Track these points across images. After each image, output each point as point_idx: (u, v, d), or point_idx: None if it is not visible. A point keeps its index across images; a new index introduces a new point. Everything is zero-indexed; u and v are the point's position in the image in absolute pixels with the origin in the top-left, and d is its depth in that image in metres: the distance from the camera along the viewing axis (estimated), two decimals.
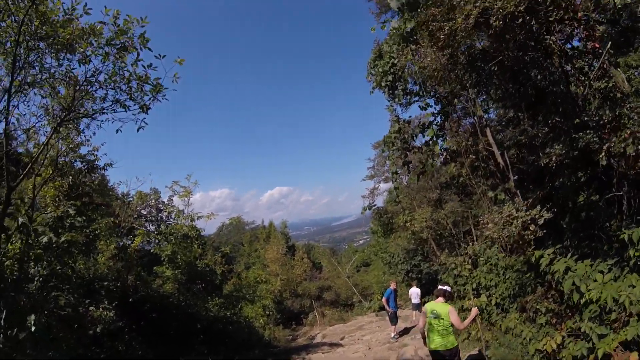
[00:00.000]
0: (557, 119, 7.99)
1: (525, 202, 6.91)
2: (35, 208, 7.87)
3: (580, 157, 6.54)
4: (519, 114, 11.05)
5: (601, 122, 6.21)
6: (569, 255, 4.30)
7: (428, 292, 17.86)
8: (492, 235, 6.74)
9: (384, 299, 12.34)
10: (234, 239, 54.60)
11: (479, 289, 8.99)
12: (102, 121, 5.98)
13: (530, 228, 6.26)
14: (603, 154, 5.93)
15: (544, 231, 6.14)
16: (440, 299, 6.02)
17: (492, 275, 8.66)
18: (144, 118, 5.91)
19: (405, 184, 17.56)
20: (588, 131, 6.22)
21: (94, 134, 8.91)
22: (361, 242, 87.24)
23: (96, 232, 9.33)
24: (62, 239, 7.48)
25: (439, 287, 6.29)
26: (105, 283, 8.70)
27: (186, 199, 12.55)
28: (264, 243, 42.90)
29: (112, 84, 5.78)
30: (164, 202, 13.99)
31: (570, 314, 5.75)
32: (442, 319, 5.74)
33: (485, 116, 10.34)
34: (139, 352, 9.05)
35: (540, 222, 6.19)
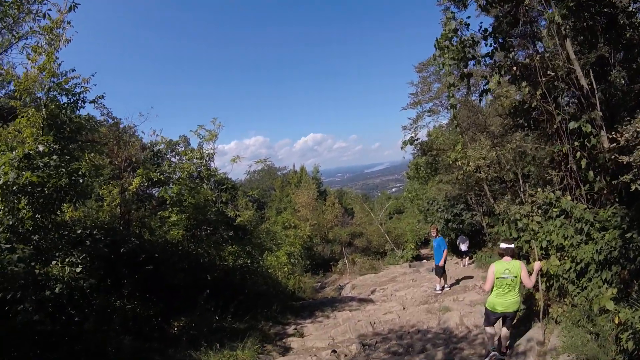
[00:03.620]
0: None
1: None
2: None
3: None
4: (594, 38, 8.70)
5: None
6: None
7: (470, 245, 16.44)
8: None
9: (445, 251, 10.95)
10: (266, 184, 54.45)
11: (548, 248, 7.04)
12: None
13: None
14: None
15: None
16: (508, 258, 5.86)
17: (570, 231, 6.62)
18: None
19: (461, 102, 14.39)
20: None
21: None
22: (394, 190, 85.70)
23: (79, 173, 7.84)
24: (22, 180, 6.04)
25: (505, 245, 6.02)
26: (80, 231, 7.30)
27: (211, 142, 11.01)
28: (295, 188, 41.87)
29: None
30: (193, 148, 12.61)
31: None
32: (516, 277, 5.72)
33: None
34: (128, 311, 7.84)
35: None
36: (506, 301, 5.73)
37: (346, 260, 24.27)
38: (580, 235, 6.48)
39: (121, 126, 13.06)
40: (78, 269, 5.98)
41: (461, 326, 7.49)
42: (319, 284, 20.72)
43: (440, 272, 11.11)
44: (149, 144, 14.81)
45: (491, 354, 6.03)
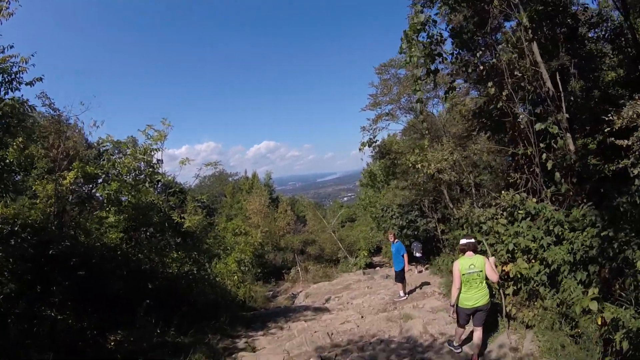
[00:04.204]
0: None
1: None
2: None
3: None
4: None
5: None
6: None
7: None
8: None
9: (406, 256, 10.53)
10: (216, 190, 52.94)
11: (514, 251, 6.82)
12: None
13: None
14: None
15: None
16: (470, 252, 5.87)
17: (540, 232, 6.41)
18: None
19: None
20: None
21: None
22: (345, 199, 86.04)
23: (5, 161, 6.99)
24: None
25: (465, 240, 6.03)
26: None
27: (160, 142, 10.09)
28: (246, 195, 40.78)
29: None
30: (136, 143, 11.55)
31: None
32: (481, 271, 5.73)
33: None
34: (59, 322, 6.82)
35: None
36: (475, 295, 5.73)
37: (299, 268, 23.66)
38: (550, 236, 6.29)
39: (65, 122, 11.77)
40: None
41: (425, 334, 7.09)
42: (271, 292, 19.92)
43: (401, 278, 10.74)
44: (96, 143, 13.61)
45: (456, 351, 6.19)
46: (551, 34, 9.01)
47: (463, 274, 5.73)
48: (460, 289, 5.79)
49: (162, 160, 10.59)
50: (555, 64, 8.79)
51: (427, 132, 8.51)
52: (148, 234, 9.20)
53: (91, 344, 6.90)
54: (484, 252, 6.71)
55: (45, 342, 5.70)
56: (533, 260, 6.62)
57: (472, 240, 6.03)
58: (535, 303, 6.53)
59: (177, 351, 6.51)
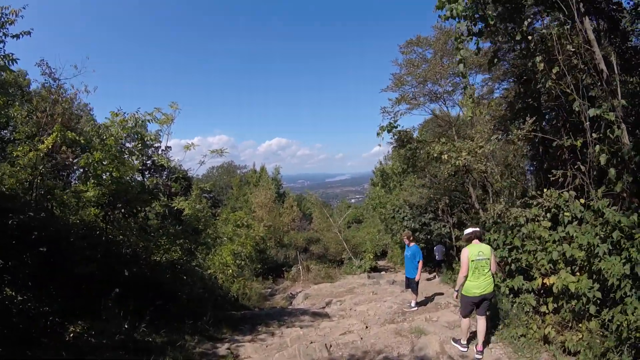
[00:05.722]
0: None
1: None
2: None
3: None
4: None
5: None
6: None
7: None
8: None
9: (421, 263, 9.34)
10: (223, 181, 52.61)
11: (557, 261, 5.61)
12: None
13: None
14: None
15: None
16: (477, 240, 5.81)
17: (594, 238, 5.19)
18: None
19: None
20: None
21: None
22: (353, 200, 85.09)
23: None
24: None
25: (471, 229, 5.97)
26: None
27: (166, 126, 9.15)
28: (253, 188, 39.93)
29: None
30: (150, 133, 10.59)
31: None
32: (489, 259, 5.68)
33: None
34: (20, 303, 5.79)
35: None
36: (482, 283, 5.65)
37: (300, 267, 22.53)
38: (605, 243, 5.09)
39: (68, 93, 10.70)
40: None
41: (443, 355, 5.86)
42: (269, 290, 18.81)
43: (415, 286, 9.46)
44: (104, 125, 12.77)
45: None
46: (595, 23, 7.89)
47: (472, 260, 5.64)
48: (466, 277, 5.71)
49: (170, 147, 9.68)
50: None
51: (470, 95, 7.08)
52: (123, 211, 8.08)
53: (49, 333, 5.87)
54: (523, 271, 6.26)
55: None
56: (578, 273, 5.47)
57: (477, 229, 6.01)
58: (581, 325, 5.35)
59: (143, 352, 5.38)
